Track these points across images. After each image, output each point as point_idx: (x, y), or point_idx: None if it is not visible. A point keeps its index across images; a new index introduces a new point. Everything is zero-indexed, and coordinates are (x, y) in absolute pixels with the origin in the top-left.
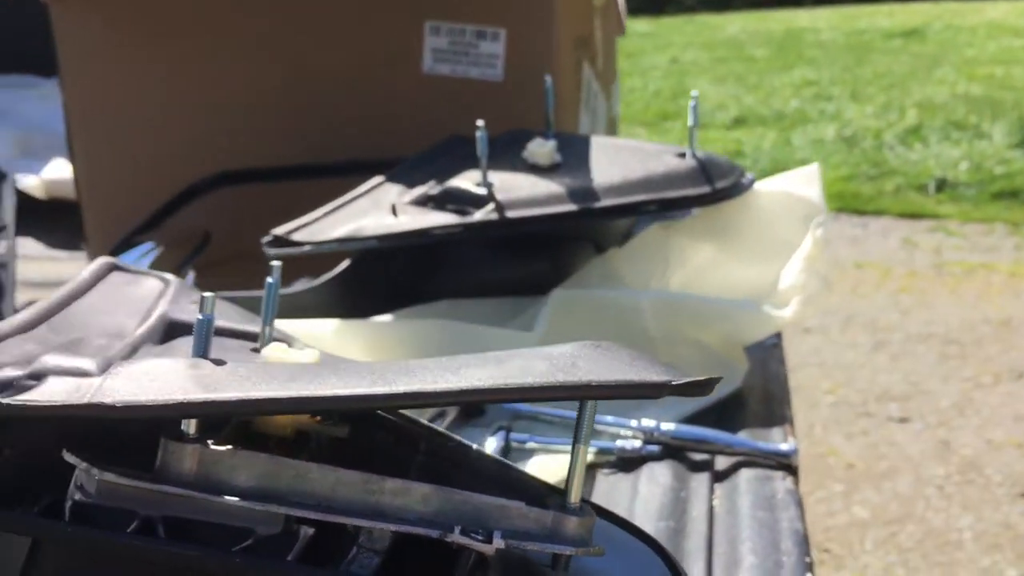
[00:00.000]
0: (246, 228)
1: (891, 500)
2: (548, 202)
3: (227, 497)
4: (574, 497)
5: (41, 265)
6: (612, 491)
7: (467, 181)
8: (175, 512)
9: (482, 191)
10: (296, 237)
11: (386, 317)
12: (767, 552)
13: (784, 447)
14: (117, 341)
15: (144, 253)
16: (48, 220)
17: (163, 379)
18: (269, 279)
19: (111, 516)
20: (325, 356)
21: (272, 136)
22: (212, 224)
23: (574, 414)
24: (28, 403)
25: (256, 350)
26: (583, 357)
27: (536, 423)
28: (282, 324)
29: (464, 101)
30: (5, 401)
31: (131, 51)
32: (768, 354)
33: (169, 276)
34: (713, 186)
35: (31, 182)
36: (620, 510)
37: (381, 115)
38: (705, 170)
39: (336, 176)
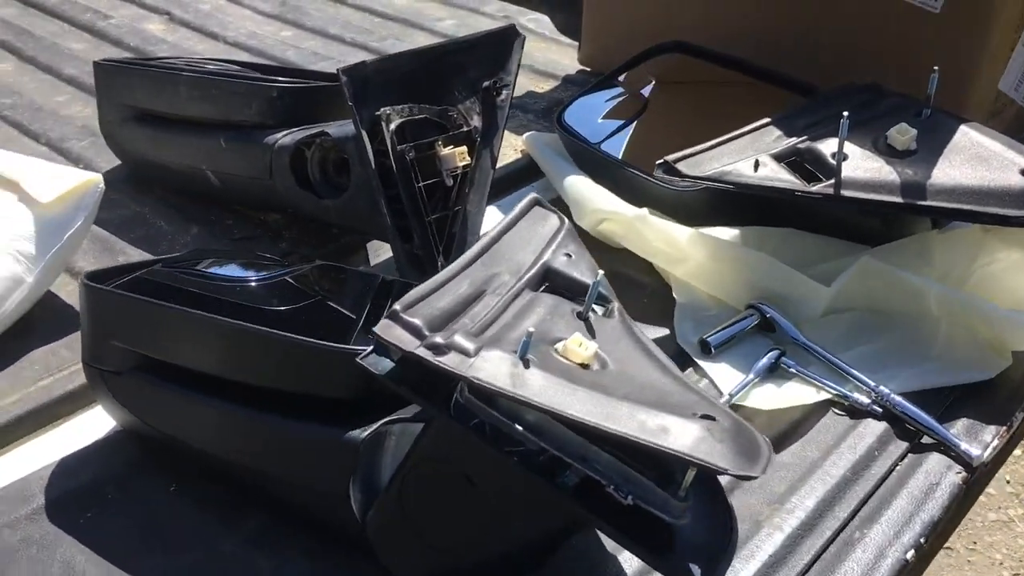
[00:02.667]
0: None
1: None
2: (885, 190)
3: (517, 426)
4: (682, 491)
5: (546, 48)
6: (828, 428)
7: (829, 147)
8: (491, 422)
9: (832, 163)
10: (680, 166)
11: (731, 231)
12: (892, 526)
13: (970, 448)
14: (511, 278)
15: (614, 96)
16: (563, 1)
17: (495, 368)
18: (599, 273)
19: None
20: (601, 348)
21: (737, 24)
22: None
23: (839, 360)
24: (437, 363)
25: (580, 315)
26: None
27: (808, 356)
28: (656, 219)
29: (899, 23)
30: (424, 356)
31: None
32: None
33: (563, 218)
34: None
35: None
36: (822, 447)
37: (829, 27)
38: None
39: (762, 80)
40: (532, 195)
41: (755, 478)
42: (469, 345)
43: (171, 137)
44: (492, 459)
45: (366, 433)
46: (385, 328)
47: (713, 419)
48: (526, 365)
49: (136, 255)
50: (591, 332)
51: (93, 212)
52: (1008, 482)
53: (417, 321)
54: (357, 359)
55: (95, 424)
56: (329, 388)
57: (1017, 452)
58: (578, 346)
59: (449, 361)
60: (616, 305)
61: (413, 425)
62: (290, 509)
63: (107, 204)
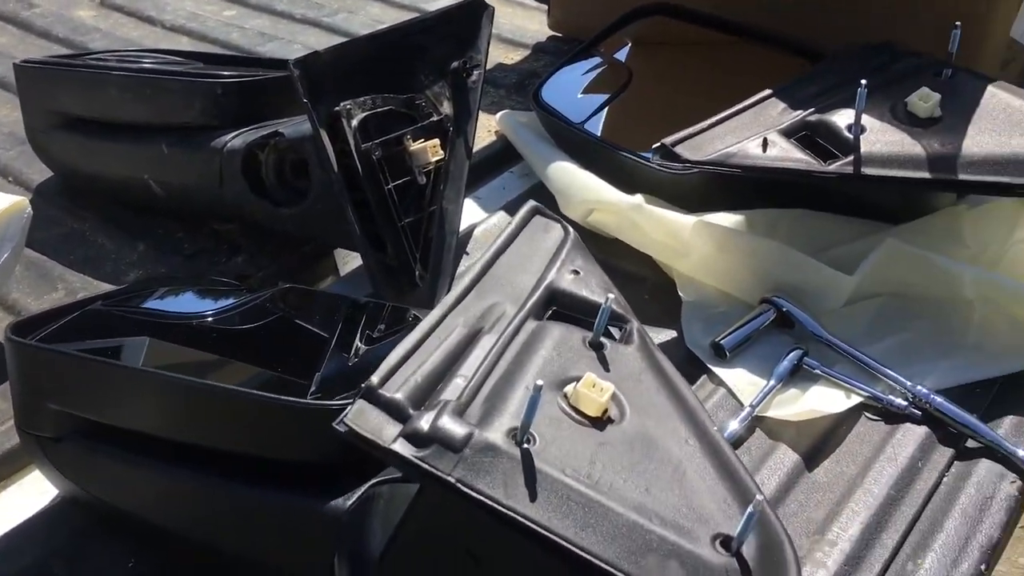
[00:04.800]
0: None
1: None
2: (911, 165)
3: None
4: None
5: (512, 13)
6: (863, 438)
7: (843, 119)
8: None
9: (848, 136)
10: (679, 150)
11: (736, 217)
12: (948, 552)
13: (1021, 451)
14: (512, 306)
15: (593, 67)
16: None
17: (487, 462)
18: (608, 298)
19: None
20: (619, 385)
21: None
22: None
23: (867, 356)
24: (417, 463)
25: (593, 344)
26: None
27: (832, 353)
28: (653, 208)
29: None
30: (404, 455)
31: None
32: None
33: (569, 229)
34: None
35: None
36: (859, 460)
37: None
38: None
39: (760, 44)
40: (531, 203)
41: None
42: (458, 431)
43: (105, 145)
44: (500, 534)
45: (350, 502)
46: (359, 414)
47: (732, 543)
48: (527, 457)
49: (77, 280)
50: (605, 364)
51: (21, 241)
52: None
53: (398, 396)
54: (335, 424)
55: (38, 489)
56: (300, 451)
57: None
58: (591, 389)
59: (432, 458)
60: (635, 326)
61: (405, 485)
62: None
63: (41, 222)
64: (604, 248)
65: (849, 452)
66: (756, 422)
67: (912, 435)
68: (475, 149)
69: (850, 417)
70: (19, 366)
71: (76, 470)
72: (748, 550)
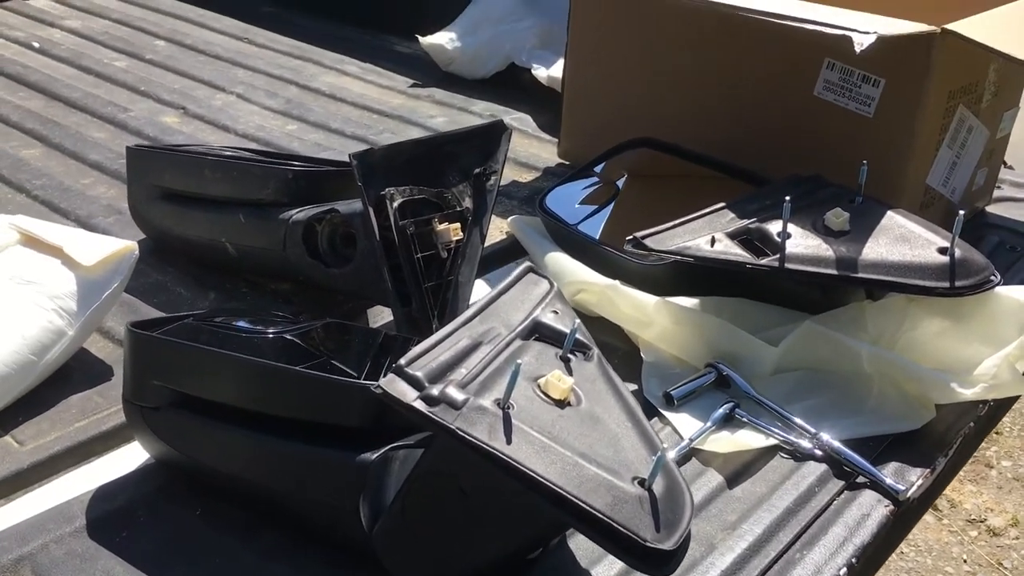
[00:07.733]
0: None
1: None
2: (821, 263)
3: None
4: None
5: (528, 143)
6: (775, 469)
7: (775, 227)
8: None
9: (778, 240)
10: (647, 242)
11: (692, 301)
12: (828, 548)
13: (897, 485)
14: (505, 331)
15: (590, 185)
16: (543, 103)
17: (478, 418)
18: (575, 322)
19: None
20: (577, 384)
21: (697, 124)
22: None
23: (785, 411)
24: (429, 415)
25: (562, 357)
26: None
27: (759, 408)
28: (626, 288)
29: (839, 126)
30: (419, 408)
31: (628, 26)
32: (970, 411)
33: (553, 283)
34: (952, 285)
35: (540, 72)
36: (770, 484)
37: (777, 127)
38: (955, 269)
39: (718, 171)
40: (526, 263)
41: (666, 552)
42: (459, 396)
43: (195, 213)
44: (483, 471)
45: (376, 455)
46: (390, 382)
47: (646, 481)
48: (507, 416)
49: None
50: (569, 371)
51: (127, 276)
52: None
53: (419, 374)
54: (373, 388)
55: (127, 459)
56: (343, 418)
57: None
58: (557, 380)
59: (439, 412)
60: (595, 352)
61: (415, 451)
62: (304, 525)
63: (132, 273)
64: (587, 324)
65: (762, 478)
66: (693, 452)
67: (813, 469)
68: (489, 243)
69: (767, 454)
70: (134, 351)
71: (169, 432)
72: (657, 488)
